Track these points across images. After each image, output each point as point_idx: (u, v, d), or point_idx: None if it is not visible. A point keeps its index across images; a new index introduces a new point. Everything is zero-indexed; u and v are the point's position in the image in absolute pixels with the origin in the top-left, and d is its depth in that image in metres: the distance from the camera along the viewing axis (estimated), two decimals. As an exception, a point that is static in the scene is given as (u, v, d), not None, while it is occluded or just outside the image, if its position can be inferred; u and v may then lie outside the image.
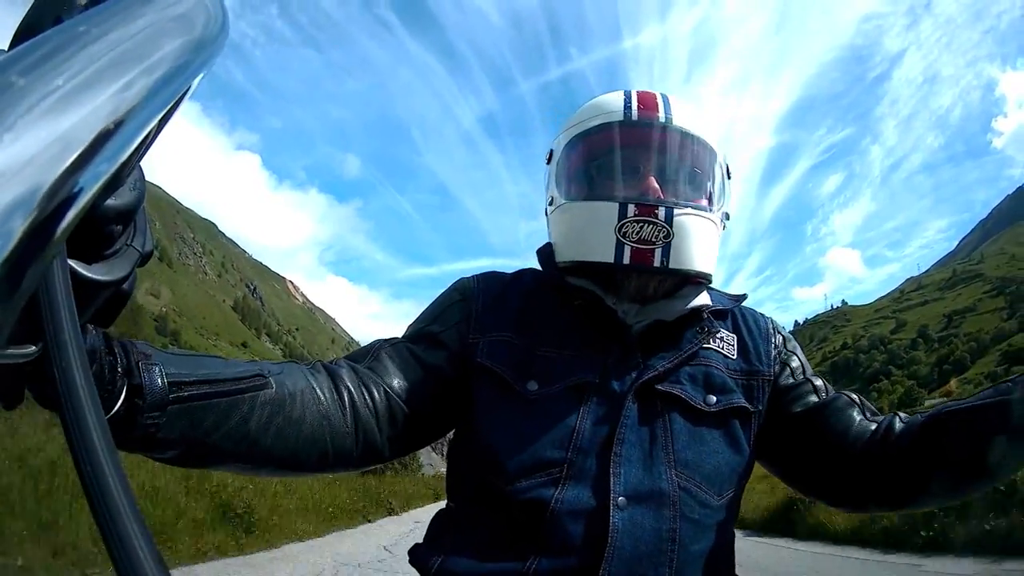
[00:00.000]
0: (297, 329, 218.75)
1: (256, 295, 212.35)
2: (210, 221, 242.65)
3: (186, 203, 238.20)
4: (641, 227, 0.72)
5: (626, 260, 0.72)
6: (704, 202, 0.78)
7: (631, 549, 0.64)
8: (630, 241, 0.72)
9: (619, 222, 0.72)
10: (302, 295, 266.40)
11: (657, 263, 0.72)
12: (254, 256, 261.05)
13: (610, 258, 0.73)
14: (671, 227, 0.72)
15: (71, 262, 0.30)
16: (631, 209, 0.72)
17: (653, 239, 0.72)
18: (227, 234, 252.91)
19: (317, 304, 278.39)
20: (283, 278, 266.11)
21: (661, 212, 0.72)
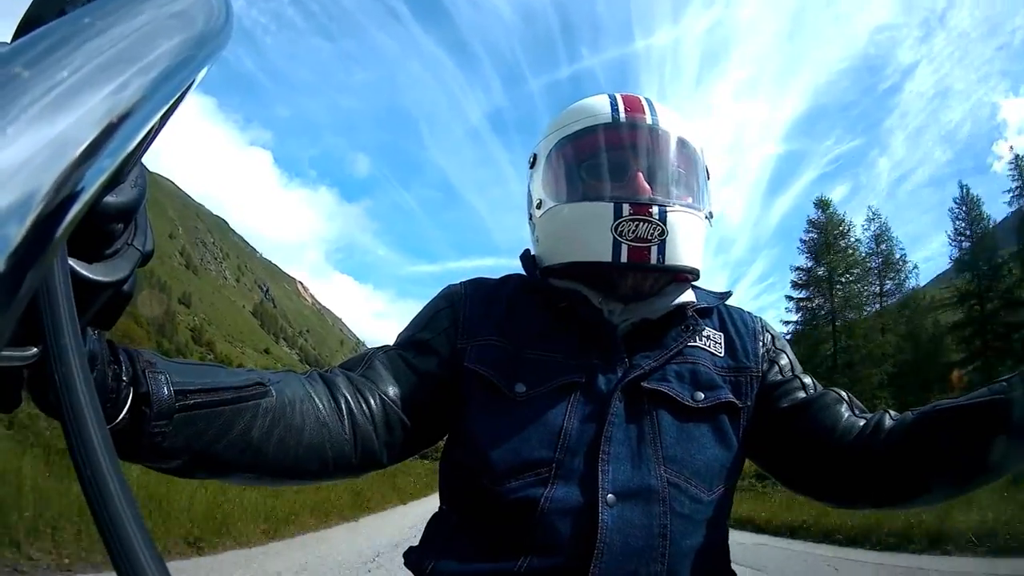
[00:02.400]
0: (308, 331, 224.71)
1: (268, 297, 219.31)
2: (221, 218, 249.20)
3: (197, 199, 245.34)
4: (637, 225, 0.74)
5: (624, 259, 0.74)
6: (691, 200, 0.81)
7: (621, 546, 0.65)
8: (627, 240, 0.74)
9: (615, 221, 0.74)
10: (311, 296, 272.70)
11: (654, 260, 0.74)
12: (264, 254, 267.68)
13: (608, 257, 0.74)
14: (665, 225, 0.74)
15: (71, 261, 0.29)
16: (626, 208, 0.74)
17: (649, 237, 0.74)
18: (237, 231, 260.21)
19: (325, 304, 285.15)
20: (294, 279, 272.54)
21: (655, 211, 0.74)
